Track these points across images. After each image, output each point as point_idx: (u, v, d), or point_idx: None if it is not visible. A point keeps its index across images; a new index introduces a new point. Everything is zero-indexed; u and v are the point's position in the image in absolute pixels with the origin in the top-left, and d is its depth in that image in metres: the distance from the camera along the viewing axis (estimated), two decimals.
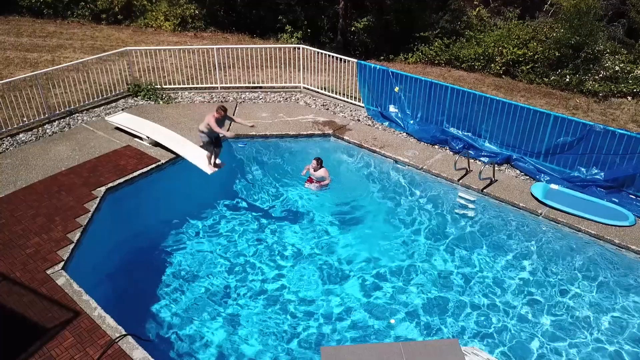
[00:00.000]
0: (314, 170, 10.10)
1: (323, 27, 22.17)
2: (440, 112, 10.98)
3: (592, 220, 8.42)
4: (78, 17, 21.55)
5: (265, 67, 13.96)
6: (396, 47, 20.26)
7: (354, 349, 5.49)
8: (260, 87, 13.38)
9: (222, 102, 12.52)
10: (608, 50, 16.71)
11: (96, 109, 11.87)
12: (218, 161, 9.64)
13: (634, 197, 8.97)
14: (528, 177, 9.79)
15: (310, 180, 10.30)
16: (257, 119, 11.49)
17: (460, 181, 9.55)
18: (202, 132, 9.09)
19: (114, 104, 12.17)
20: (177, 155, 9.79)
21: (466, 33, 19.49)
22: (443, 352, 4.99)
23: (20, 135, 10.58)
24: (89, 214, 8.09)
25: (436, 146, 10.80)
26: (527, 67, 16.83)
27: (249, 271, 8.59)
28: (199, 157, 9.69)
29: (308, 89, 13.22)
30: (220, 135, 9.20)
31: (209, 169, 9.45)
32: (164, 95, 12.69)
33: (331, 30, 22.10)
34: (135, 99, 12.53)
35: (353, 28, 21.48)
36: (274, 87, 13.36)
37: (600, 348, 7.21)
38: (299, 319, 7.72)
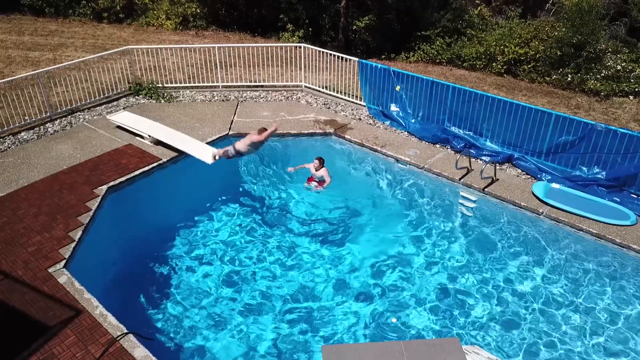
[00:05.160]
0: (316, 170, 10.08)
1: (324, 26, 22.18)
2: (441, 111, 10.97)
3: (594, 220, 8.41)
4: (80, 16, 21.59)
5: (266, 65, 13.95)
6: (397, 45, 20.27)
7: (355, 347, 5.49)
8: (262, 86, 13.38)
9: (223, 100, 12.53)
10: (610, 49, 16.70)
11: (97, 108, 11.88)
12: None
13: (635, 196, 8.96)
14: (529, 176, 9.78)
15: (311, 180, 10.30)
16: (258, 117, 11.49)
17: (462, 180, 9.54)
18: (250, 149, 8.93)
19: (115, 103, 12.18)
20: (179, 153, 9.80)
21: (468, 32, 19.48)
22: (444, 351, 4.99)
23: (22, 133, 10.59)
24: (91, 213, 8.10)
25: (437, 145, 10.79)
26: (529, 66, 16.82)
27: (250, 270, 8.61)
28: (199, 150, 9.70)
29: (309, 87, 13.21)
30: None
31: (210, 160, 9.37)
32: (165, 94, 12.70)
33: (332, 29, 22.10)
34: (136, 97, 12.53)
35: (354, 27, 21.49)
36: (275, 86, 13.36)
37: (601, 346, 7.22)
38: (300, 318, 7.73)
